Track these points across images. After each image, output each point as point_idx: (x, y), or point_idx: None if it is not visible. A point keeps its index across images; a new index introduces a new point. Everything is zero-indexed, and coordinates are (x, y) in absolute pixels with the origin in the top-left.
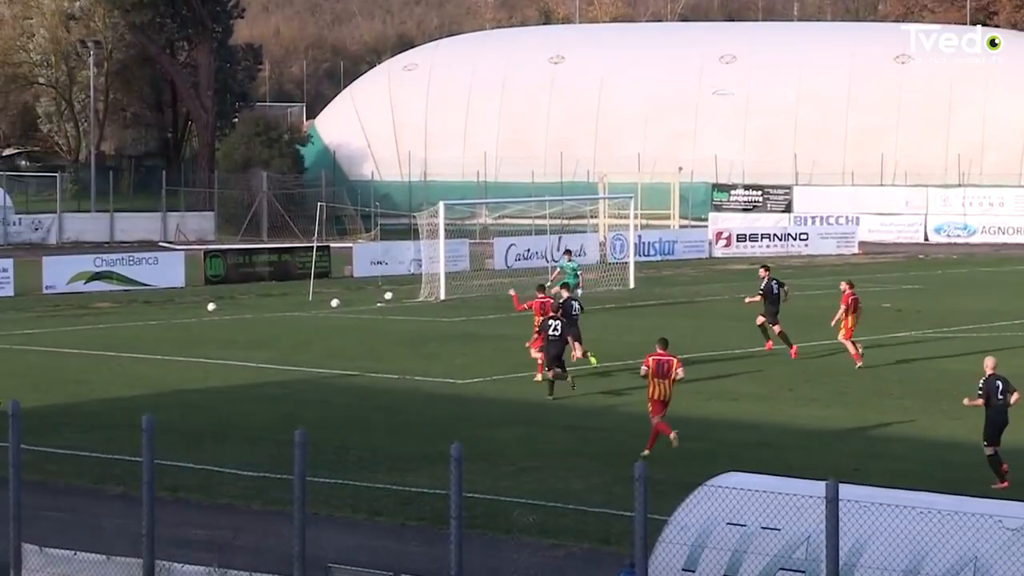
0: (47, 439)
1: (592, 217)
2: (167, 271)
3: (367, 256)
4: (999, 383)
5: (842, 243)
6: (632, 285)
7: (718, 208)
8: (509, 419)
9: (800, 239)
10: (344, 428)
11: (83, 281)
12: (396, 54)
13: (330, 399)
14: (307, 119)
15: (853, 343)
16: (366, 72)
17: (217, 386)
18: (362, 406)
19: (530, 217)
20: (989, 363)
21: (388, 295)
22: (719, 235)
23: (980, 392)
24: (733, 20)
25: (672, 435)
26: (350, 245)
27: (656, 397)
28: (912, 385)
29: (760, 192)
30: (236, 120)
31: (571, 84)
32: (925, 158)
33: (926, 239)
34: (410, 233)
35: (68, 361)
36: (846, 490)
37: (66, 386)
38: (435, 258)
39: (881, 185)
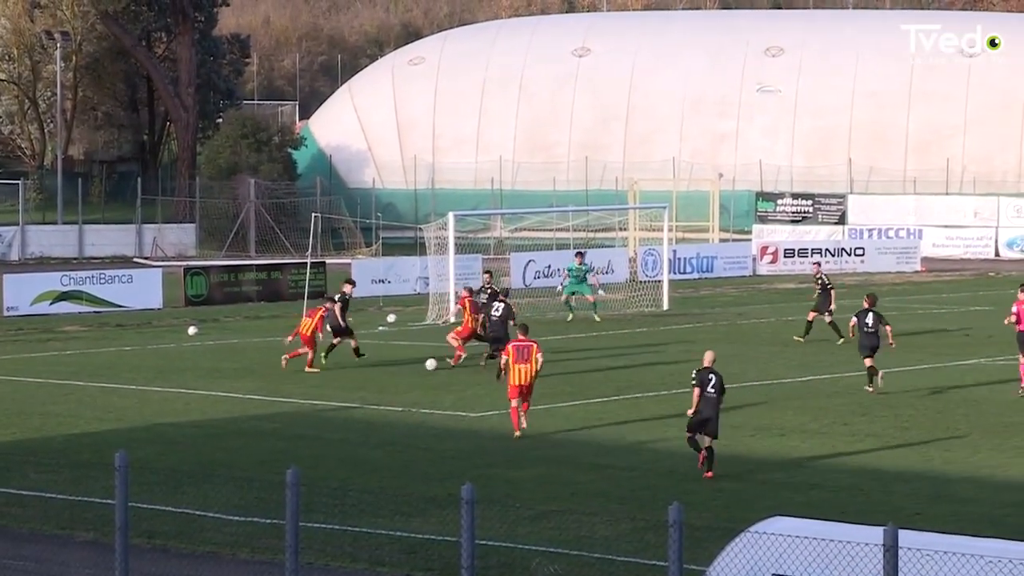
0: (8, 479)
1: (621, 230)
2: (143, 291)
3: (367, 273)
4: (712, 376)
5: (902, 259)
6: (666, 306)
7: (763, 219)
8: (527, 457)
9: (855, 254)
10: (342, 467)
11: (48, 302)
12: (400, 46)
13: (326, 434)
14: (300, 119)
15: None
16: (367, 66)
17: (199, 420)
18: (362, 442)
19: (551, 230)
20: (708, 356)
21: (391, 317)
22: (764, 250)
23: (694, 382)
24: (780, 8)
25: (519, 433)
26: (348, 261)
27: (515, 382)
28: (981, 419)
29: (810, 201)
30: (220, 120)
31: (598, 80)
32: (996, 163)
33: (997, 254)
34: (416, 248)
35: (32, 391)
36: (907, 537)
37: (29, 419)
38: (444, 276)
39: (947, 194)
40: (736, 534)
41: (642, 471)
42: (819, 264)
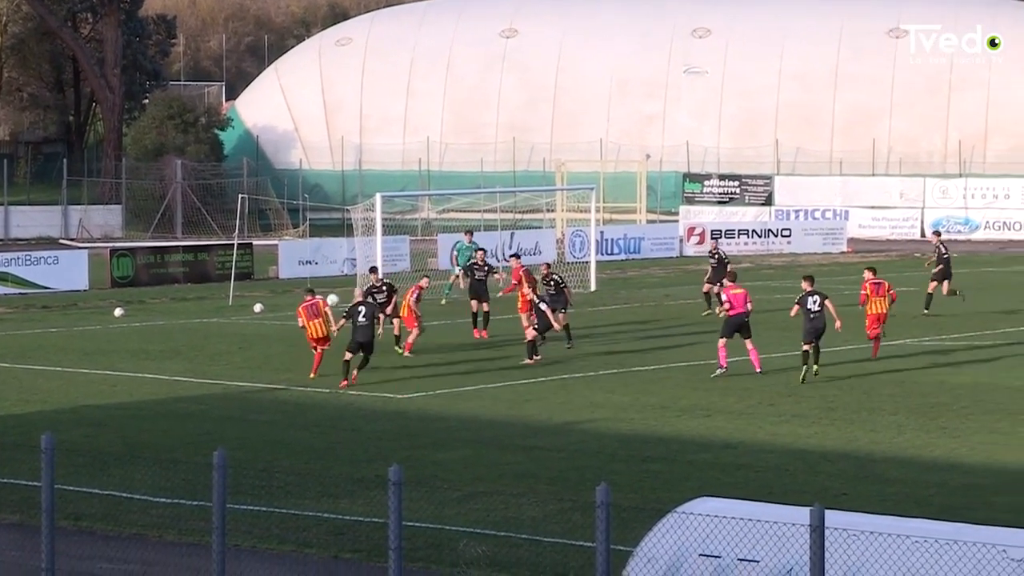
0: None
1: (549, 211)
2: (69, 272)
3: (295, 255)
4: (363, 307)
5: (829, 240)
6: (593, 287)
7: (690, 200)
8: (454, 438)
9: (782, 235)
10: (269, 449)
11: None
12: (328, 27)
13: (253, 416)
14: (227, 100)
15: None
16: (293, 47)
17: (125, 402)
18: (289, 424)
19: (479, 211)
20: (357, 293)
21: (257, 307)
22: (691, 231)
23: (346, 314)
24: None
25: (314, 376)
26: (275, 242)
27: (313, 335)
28: (907, 399)
29: (737, 183)
30: (147, 101)
31: (525, 61)
32: (922, 145)
33: (923, 235)
34: (343, 229)
35: None
36: (833, 517)
37: None
38: (371, 257)
39: (873, 175)
40: (663, 515)
41: (569, 452)
42: (532, 264)
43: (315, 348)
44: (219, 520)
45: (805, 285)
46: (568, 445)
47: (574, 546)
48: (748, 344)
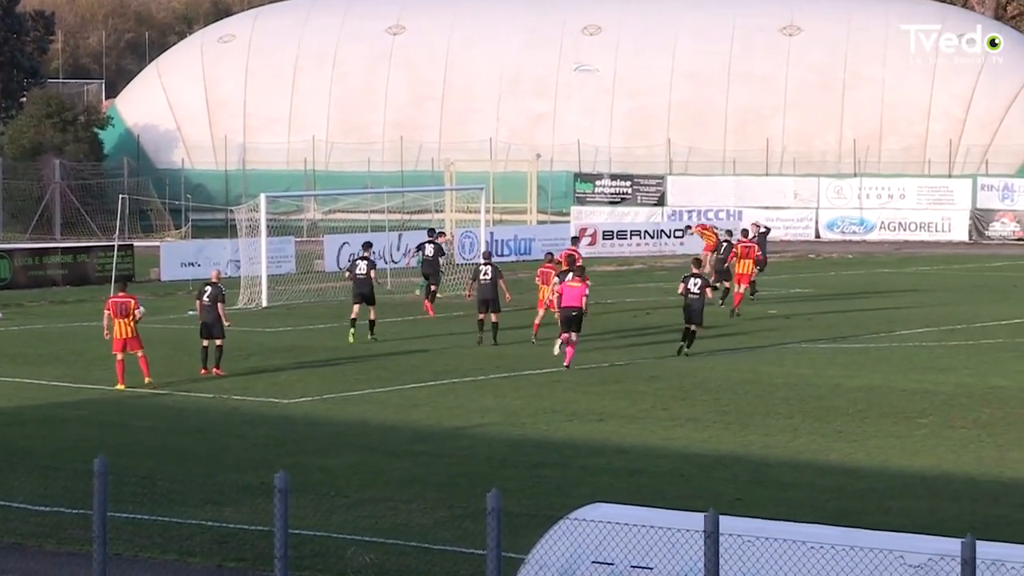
0: None
1: (438, 211)
2: None
3: (177, 257)
4: (208, 288)
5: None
6: None
7: (581, 201)
8: (342, 444)
9: (675, 236)
10: (150, 455)
11: None
12: (210, 23)
13: (134, 422)
14: (107, 98)
15: None
16: (175, 44)
17: (2, 407)
18: (171, 430)
19: (366, 212)
20: (213, 273)
21: None
22: (583, 232)
23: (195, 292)
24: None
25: (122, 386)
26: (157, 244)
27: (118, 336)
28: (801, 403)
29: (629, 183)
30: (24, 100)
31: (413, 58)
32: (816, 144)
33: (817, 236)
34: (227, 230)
35: None
36: (727, 523)
37: None
38: (256, 259)
39: (767, 175)
40: (555, 521)
41: (460, 458)
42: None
43: (117, 353)
44: (100, 529)
45: (692, 268)
46: (458, 451)
47: (464, 554)
48: (573, 336)
